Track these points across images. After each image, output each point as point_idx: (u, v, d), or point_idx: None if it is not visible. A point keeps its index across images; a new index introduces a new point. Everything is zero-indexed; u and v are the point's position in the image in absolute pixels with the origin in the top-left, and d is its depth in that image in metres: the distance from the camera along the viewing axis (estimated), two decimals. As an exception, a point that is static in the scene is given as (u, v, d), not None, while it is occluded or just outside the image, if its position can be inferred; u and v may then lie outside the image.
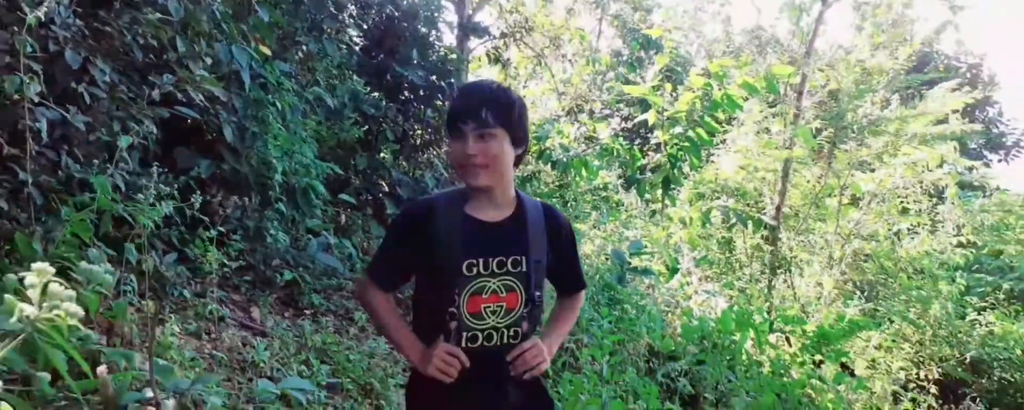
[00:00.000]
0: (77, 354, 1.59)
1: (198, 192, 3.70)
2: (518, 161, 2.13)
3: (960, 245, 10.15)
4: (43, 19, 3.17)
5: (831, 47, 12.34)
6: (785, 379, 5.14)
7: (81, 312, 1.15)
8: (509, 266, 2.07)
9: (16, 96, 3.19)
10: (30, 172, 3.05)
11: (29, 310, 1.07)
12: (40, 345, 1.19)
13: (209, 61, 4.74)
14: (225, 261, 3.84)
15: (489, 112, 1.98)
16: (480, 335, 2.07)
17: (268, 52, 5.22)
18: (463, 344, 2.06)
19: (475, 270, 2.04)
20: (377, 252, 2.29)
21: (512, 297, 2.08)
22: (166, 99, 4.28)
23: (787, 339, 5.54)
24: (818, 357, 5.44)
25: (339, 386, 3.67)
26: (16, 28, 3.34)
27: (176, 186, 3.76)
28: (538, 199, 2.26)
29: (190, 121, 4.65)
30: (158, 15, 3.97)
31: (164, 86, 4.07)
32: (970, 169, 9.94)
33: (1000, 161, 20.65)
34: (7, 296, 1.13)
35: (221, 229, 4.06)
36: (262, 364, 3.70)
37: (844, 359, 5.55)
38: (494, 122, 1.98)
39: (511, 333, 2.10)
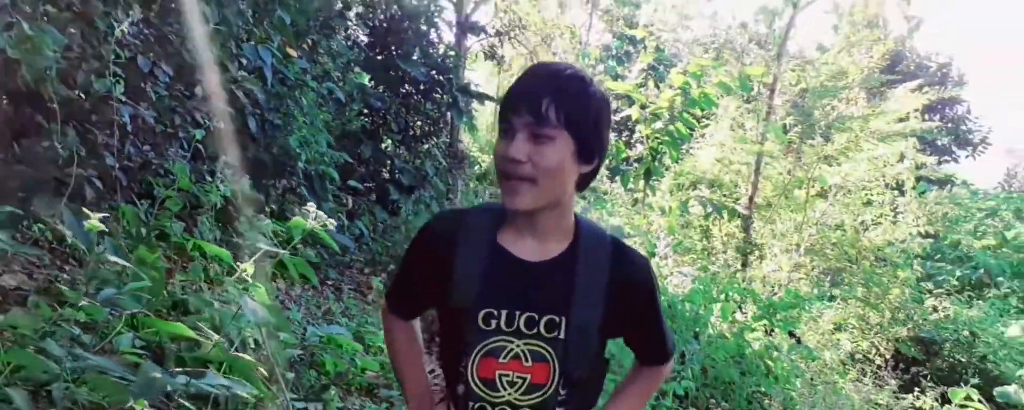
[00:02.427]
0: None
1: (247, 177, 4.37)
2: (585, 182, 1.55)
3: (921, 235, 10.98)
4: (126, 31, 3.83)
5: (809, 46, 13.10)
6: (745, 347, 5.88)
7: (334, 223, 1.84)
8: (541, 327, 1.52)
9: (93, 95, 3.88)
10: (117, 158, 3.73)
11: (310, 222, 1.76)
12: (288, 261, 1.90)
13: (243, 62, 5.41)
14: (269, 233, 4.52)
15: (552, 105, 1.42)
16: (491, 409, 1.56)
17: (294, 53, 5.88)
18: None
19: (494, 323, 1.52)
20: (396, 272, 1.79)
21: (540, 370, 1.53)
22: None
23: (739, 308, 6.27)
24: (768, 326, 6.19)
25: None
26: (85, 36, 4.02)
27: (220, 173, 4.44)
28: (610, 233, 1.64)
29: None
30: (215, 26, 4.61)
31: (211, 86, 4.74)
32: (924, 165, 10.72)
33: (967, 157, 21.66)
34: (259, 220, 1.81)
35: (274, 208, 4.73)
36: (297, 322, 4.39)
37: (791, 329, 6.30)
38: (556, 120, 1.42)
39: None
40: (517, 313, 1.52)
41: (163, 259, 3.24)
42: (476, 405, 1.55)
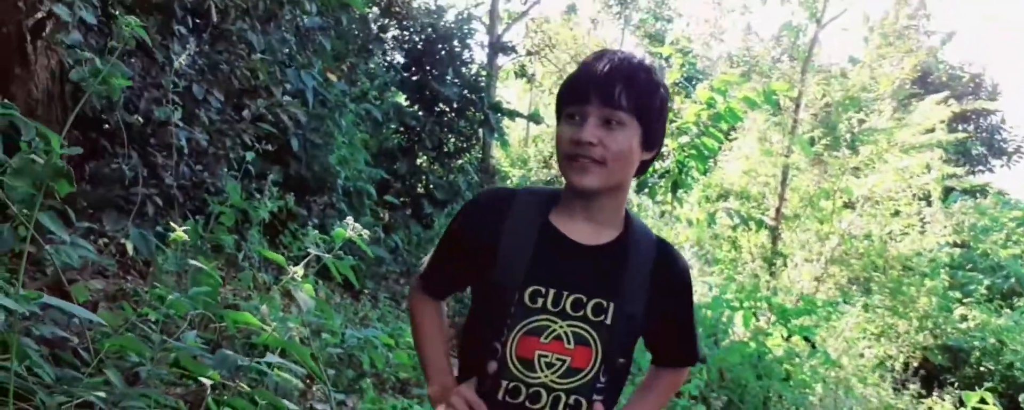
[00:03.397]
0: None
1: (292, 194, 4.76)
2: (642, 170, 1.59)
3: (953, 245, 11.10)
4: (184, 63, 4.24)
5: (842, 57, 13.27)
6: (765, 353, 6.11)
7: (368, 234, 2.19)
8: (588, 311, 1.51)
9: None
10: (175, 178, 4.14)
11: (350, 231, 2.10)
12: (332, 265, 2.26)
13: (288, 86, 5.82)
14: (319, 243, 4.89)
15: (624, 91, 1.45)
16: (524, 390, 1.52)
17: (334, 77, 6.29)
18: (500, 396, 1.53)
19: (541, 302, 1.50)
20: (434, 249, 1.74)
21: (582, 354, 1.51)
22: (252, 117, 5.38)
23: (755, 316, 6.50)
24: (786, 333, 6.41)
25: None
26: (145, 67, 4.45)
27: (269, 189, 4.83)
28: (654, 233, 1.67)
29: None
30: (260, 54, 5.02)
31: (258, 109, 5.16)
32: (953, 175, 10.84)
33: (1003, 166, 21.53)
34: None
35: (315, 221, 5.12)
36: (335, 327, 4.76)
37: (807, 335, 6.52)
38: (627, 106, 1.45)
39: (569, 402, 1.52)
40: (565, 294, 1.51)
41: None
42: (510, 385, 1.52)
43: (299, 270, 2.38)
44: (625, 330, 1.53)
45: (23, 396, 1.93)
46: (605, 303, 1.51)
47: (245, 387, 2.12)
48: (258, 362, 2.04)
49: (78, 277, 3.66)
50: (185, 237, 2.59)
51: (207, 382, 1.93)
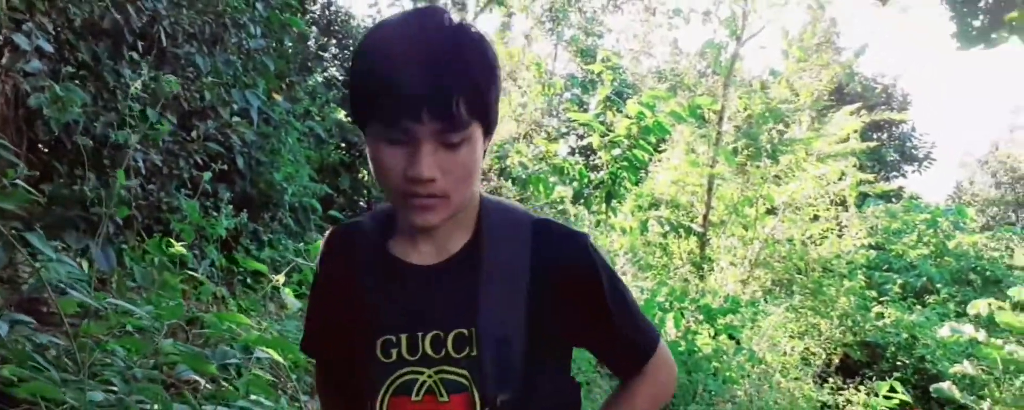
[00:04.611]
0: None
1: (242, 212, 4.97)
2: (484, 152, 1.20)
3: (868, 247, 11.82)
4: (140, 88, 4.44)
5: (765, 70, 13.97)
6: (695, 351, 6.53)
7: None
8: (449, 347, 1.19)
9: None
10: (132, 197, 4.33)
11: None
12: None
13: (235, 107, 6.02)
14: (278, 258, 5.10)
15: (464, 98, 1.06)
16: None
17: (279, 98, 6.50)
18: None
19: (394, 353, 1.20)
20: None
21: (460, 403, 1.18)
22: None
23: (683, 315, 6.94)
24: (713, 332, 6.87)
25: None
26: (98, 91, 4.63)
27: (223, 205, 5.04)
28: (531, 211, 1.31)
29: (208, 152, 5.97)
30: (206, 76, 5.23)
31: (208, 130, 5.36)
32: (865, 182, 11.55)
33: (914, 172, 22.90)
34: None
35: (270, 237, 5.33)
36: (288, 335, 4.98)
37: (732, 333, 6.98)
38: (468, 115, 1.08)
39: None
40: (420, 335, 1.19)
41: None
42: None
43: (280, 277, 2.65)
44: (501, 358, 1.15)
45: (28, 400, 2.16)
46: (466, 332, 1.17)
47: (229, 387, 2.35)
48: (244, 358, 2.29)
49: (44, 294, 3.82)
50: (182, 251, 2.81)
51: (201, 379, 2.17)
